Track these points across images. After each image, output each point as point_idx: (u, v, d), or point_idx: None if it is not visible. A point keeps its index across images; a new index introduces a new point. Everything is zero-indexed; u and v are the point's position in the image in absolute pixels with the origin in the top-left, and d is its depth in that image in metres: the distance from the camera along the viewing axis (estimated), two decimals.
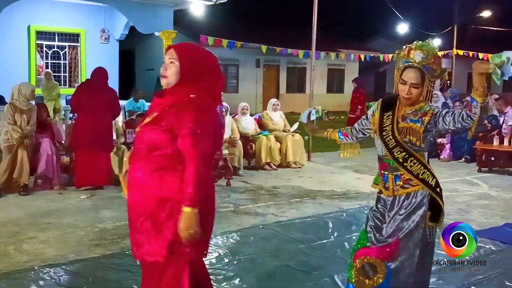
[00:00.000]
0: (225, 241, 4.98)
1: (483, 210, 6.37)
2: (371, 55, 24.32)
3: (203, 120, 2.47)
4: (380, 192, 3.06)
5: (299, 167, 9.28)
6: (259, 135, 9.12)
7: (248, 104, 9.91)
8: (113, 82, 14.14)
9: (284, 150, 9.22)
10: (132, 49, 25.75)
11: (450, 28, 25.84)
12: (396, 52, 3.01)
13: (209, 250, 4.57)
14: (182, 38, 18.85)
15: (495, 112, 10.54)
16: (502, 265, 4.44)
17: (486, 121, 9.02)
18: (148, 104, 11.90)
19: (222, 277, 4.05)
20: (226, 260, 4.43)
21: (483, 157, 9.30)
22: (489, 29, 30.16)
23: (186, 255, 2.58)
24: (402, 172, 2.91)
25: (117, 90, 14.28)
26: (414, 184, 2.90)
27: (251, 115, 10.05)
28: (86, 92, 7.11)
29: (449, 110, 2.89)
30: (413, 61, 2.86)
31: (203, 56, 2.66)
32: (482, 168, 9.16)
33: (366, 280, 2.95)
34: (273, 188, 7.51)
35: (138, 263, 4.24)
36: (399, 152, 2.90)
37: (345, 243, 4.92)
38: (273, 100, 10.04)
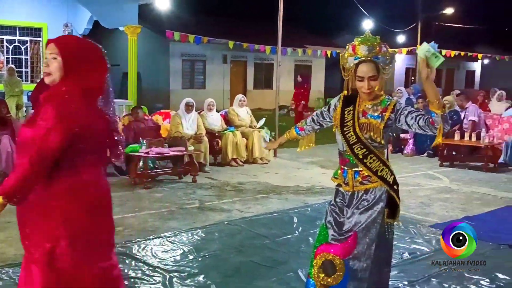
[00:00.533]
0: (190, 237, 4.96)
1: (444, 204, 6.51)
2: (337, 51, 24.44)
3: (57, 115, 2.29)
4: (339, 185, 3.08)
5: (266, 163, 9.31)
6: (225, 131, 9.10)
7: (216, 100, 9.89)
8: None
9: (250, 146, 9.23)
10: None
11: (414, 24, 26.25)
12: (341, 54, 3.00)
13: (173, 247, 4.61)
14: (148, 33, 18.68)
15: (457, 108, 10.81)
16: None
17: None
18: (114, 100, 11.76)
19: (186, 274, 4.03)
20: (191, 257, 4.41)
21: (445, 151, 9.51)
22: (452, 26, 30.80)
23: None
24: (361, 169, 2.91)
25: None
26: (373, 181, 2.91)
27: (219, 111, 10.03)
28: (47, 88, 6.94)
29: (412, 111, 2.88)
30: (361, 56, 2.85)
31: (86, 48, 2.54)
32: (443, 163, 9.36)
33: (326, 278, 2.95)
34: (239, 184, 7.52)
35: None
36: (359, 149, 2.90)
37: (310, 238, 4.96)
38: (240, 96, 10.04)
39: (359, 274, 2.92)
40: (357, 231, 2.89)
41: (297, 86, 14.04)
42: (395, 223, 3.04)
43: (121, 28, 12.52)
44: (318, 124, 3.30)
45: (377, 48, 2.84)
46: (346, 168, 2.98)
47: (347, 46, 2.94)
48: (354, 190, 2.96)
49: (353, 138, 2.91)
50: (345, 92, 3.00)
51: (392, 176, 2.95)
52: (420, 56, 2.67)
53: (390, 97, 2.95)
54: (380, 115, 2.89)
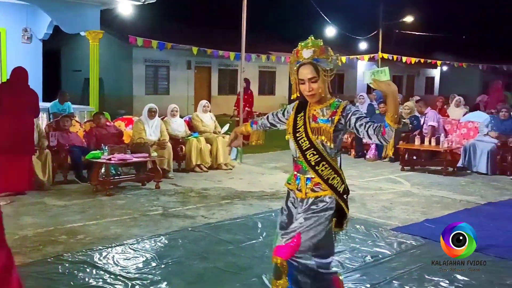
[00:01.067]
0: (153, 245, 4.90)
1: (405, 207, 6.62)
2: None
3: None
4: (291, 190, 3.06)
5: (230, 169, 9.29)
6: (189, 137, 9.05)
7: (180, 106, 9.83)
8: (37, 83, 13.56)
9: (214, 152, 9.20)
10: (57, 50, 24.88)
11: (375, 32, 26.74)
12: (289, 62, 3.00)
13: (135, 255, 4.55)
14: (110, 38, 18.47)
15: (416, 113, 11.05)
16: (421, 259, 4.63)
17: (408, 122, 9.36)
18: (74, 106, 11.56)
19: (148, 281, 3.98)
20: (153, 264, 4.36)
21: (406, 156, 9.69)
22: (412, 34, 31.50)
23: None
24: (313, 176, 2.89)
25: (40, 91, 13.76)
26: (324, 189, 2.89)
27: (182, 116, 9.97)
28: (5, 93, 6.78)
29: (361, 116, 2.83)
30: (302, 59, 2.86)
31: None
32: (404, 167, 9.54)
33: (275, 281, 2.94)
34: (203, 190, 7.48)
35: (60, 270, 4.13)
36: (312, 155, 2.87)
37: (273, 243, 4.96)
38: (203, 102, 10.00)
39: (301, 279, 2.91)
40: (301, 232, 2.84)
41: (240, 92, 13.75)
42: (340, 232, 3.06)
43: (82, 33, 12.30)
44: (270, 123, 3.30)
45: (318, 51, 2.83)
46: (299, 174, 2.96)
47: (293, 51, 2.95)
48: (306, 197, 2.93)
49: (306, 143, 2.89)
50: (295, 95, 2.99)
51: (343, 186, 2.93)
52: (370, 83, 2.72)
53: (340, 100, 2.93)
54: (329, 118, 2.87)
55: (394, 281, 4.10)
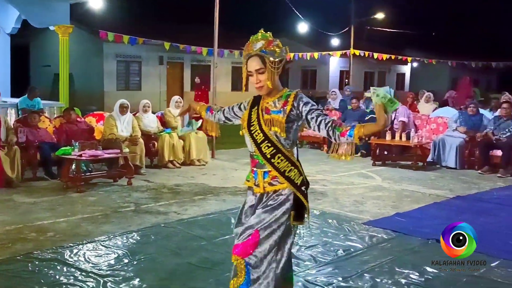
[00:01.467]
0: (125, 241, 4.86)
1: (376, 201, 6.71)
2: None
3: None
4: (250, 188, 3.00)
5: (203, 165, 9.27)
6: (161, 133, 8.99)
7: (152, 102, 9.74)
8: (5, 78, 13.32)
9: (187, 147, 9.16)
10: (26, 44, 24.36)
11: (347, 28, 26.94)
12: (242, 57, 2.96)
13: (107, 252, 4.51)
14: (80, 33, 18.17)
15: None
16: (392, 252, 4.71)
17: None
18: (44, 102, 11.35)
19: (121, 278, 3.94)
20: (126, 261, 4.32)
21: (377, 151, 9.81)
22: (383, 30, 31.87)
23: None
24: (270, 169, 2.83)
25: (9, 87, 13.50)
26: (282, 182, 2.82)
27: (155, 112, 9.89)
28: None
29: (313, 109, 2.77)
30: (251, 52, 2.85)
31: None
32: (376, 162, 9.66)
33: (232, 280, 2.89)
34: (176, 186, 7.44)
35: (30, 268, 4.07)
36: (266, 147, 2.82)
37: None
38: (176, 97, 9.93)
39: (260, 276, 2.80)
40: (259, 229, 2.78)
41: (196, 88, 13.17)
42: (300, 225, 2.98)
43: (51, 28, 12.08)
44: (225, 117, 3.24)
45: (265, 43, 2.81)
46: (256, 169, 2.90)
47: (245, 46, 2.93)
48: (265, 191, 2.87)
49: (260, 136, 2.85)
50: (244, 87, 2.98)
51: (301, 177, 2.86)
52: (376, 102, 2.63)
53: (292, 90, 2.89)
54: (281, 109, 2.83)
55: (365, 274, 4.15)
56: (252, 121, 2.90)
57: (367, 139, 2.66)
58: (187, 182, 7.72)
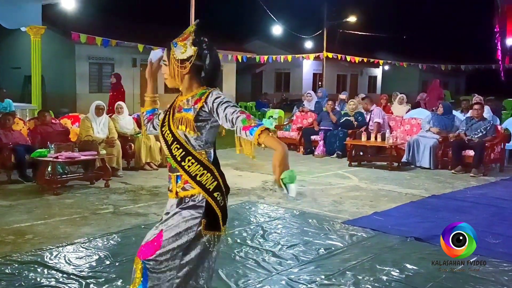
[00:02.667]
0: (106, 243, 4.81)
1: (354, 201, 6.79)
2: (248, 56, 24.89)
3: None
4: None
5: None
6: (138, 135, 8.92)
7: (126, 104, 9.64)
8: None
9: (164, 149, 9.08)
10: None
11: (320, 31, 27.20)
12: None
13: (88, 253, 4.46)
14: (52, 34, 17.89)
15: (361, 110, 11.35)
16: (372, 250, 4.77)
17: (353, 119, 9.46)
18: (15, 104, 11.13)
19: (103, 279, 3.91)
20: (107, 262, 4.28)
21: (353, 152, 9.93)
22: (355, 33, 32.24)
23: None
24: (182, 173, 2.59)
25: None
26: (193, 187, 2.57)
27: (131, 114, 9.80)
28: None
29: (225, 104, 2.47)
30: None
31: None
32: (352, 163, 9.76)
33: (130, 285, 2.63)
34: (154, 188, 7.39)
35: (9, 270, 3.99)
36: (176, 149, 2.58)
37: (228, 238, 4.98)
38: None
39: (163, 279, 2.55)
40: (164, 230, 2.55)
41: (111, 89, 12.00)
42: (221, 235, 2.63)
43: (23, 29, 11.87)
44: (154, 126, 2.88)
45: (183, 36, 2.64)
46: (170, 173, 2.66)
47: None
48: (178, 197, 2.62)
49: (169, 137, 2.61)
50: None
51: (215, 182, 2.57)
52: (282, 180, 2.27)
53: (209, 88, 2.60)
54: (192, 107, 2.58)
55: (347, 272, 4.20)
56: (164, 121, 2.67)
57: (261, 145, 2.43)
58: (165, 184, 7.61)
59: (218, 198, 2.57)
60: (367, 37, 33.44)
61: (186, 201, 2.58)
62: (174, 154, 2.58)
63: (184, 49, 2.59)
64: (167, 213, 2.63)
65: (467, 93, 31.00)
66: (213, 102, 2.50)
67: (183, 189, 2.59)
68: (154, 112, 2.91)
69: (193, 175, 2.56)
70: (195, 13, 10.53)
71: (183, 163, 2.56)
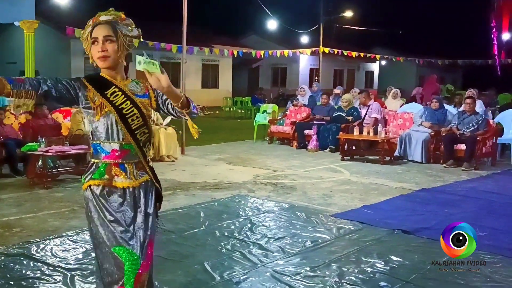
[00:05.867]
0: None
1: (344, 195, 6.81)
2: (244, 51, 24.84)
3: None
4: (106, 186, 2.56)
5: (173, 161, 9.24)
6: None
7: None
8: None
9: (156, 144, 9.10)
10: None
11: (316, 26, 27.16)
12: (82, 34, 2.51)
13: (75, 246, 4.48)
14: (45, 28, 17.85)
15: (356, 105, 11.36)
16: (359, 243, 4.80)
17: (344, 114, 9.42)
18: (8, 99, 11.12)
19: (89, 271, 3.91)
20: (93, 255, 4.23)
21: (345, 146, 9.94)
22: (352, 28, 32.23)
23: None
24: (140, 159, 2.54)
25: None
26: (147, 173, 2.57)
27: None
28: None
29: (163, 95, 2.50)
30: (99, 21, 2.47)
31: None
32: (344, 157, 9.78)
33: None
34: None
35: None
36: (143, 134, 2.52)
37: (216, 231, 5.01)
38: None
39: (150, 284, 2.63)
40: (153, 238, 2.57)
41: None
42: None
43: (16, 23, 11.86)
44: (64, 93, 2.41)
45: (118, 18, 2.52)
46: (124, 162, 2.49)
47: (88, 22, 2.51)
48: (130, 186, 2.50)
49: (139, 120, 2.49)
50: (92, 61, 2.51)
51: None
52: (143, 69, 2.28)
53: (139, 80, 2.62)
54: (146, 93, 2.56)
55: (332, 264, 4.22)
56: (118, 104, 2.46)
57: (189, 104, 2.38)
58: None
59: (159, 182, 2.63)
60: (364, 32, 33.46)
61: (139, 189, 2.51)
62: (139, 139, 2.50)
63: (131, 27, 2.52)
64: (121, 204, 2.48)
65: (464, 88, 31.02)
66: (161, 95, 2.51)
67: (140, 176, 2.52)
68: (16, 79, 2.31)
69: (147, 160, 2.56)
70: (189, 8, 10.50)
71: (144, 149, 2.53)
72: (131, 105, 2.48)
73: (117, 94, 2.47)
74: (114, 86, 2.48)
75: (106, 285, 2.49)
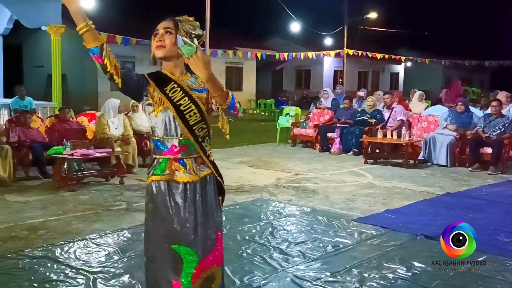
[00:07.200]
0: (116, 239, 4.89)
1: (367, 199, 6.76)
2: (267, 53, 24.88)
3: None
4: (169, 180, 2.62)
5: None
6: None
7: None
8: None
9: None
10: (19, 45, 24.34)
11: (340, 28, 27.03)
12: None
13: (98, 249, 4.54)
14: (72, 33, 18.10)
15: (379, 107, 11.27)
16: (381, 248, 4.75)
17: (371, 119, 9.27)
18: (36, 102, 11.33)
19: (111, 274, 3.97)
20: (116, 258, 4.35)
21: (369, 149, 9.86)
22: (376, 30, 31.98)
23: None
24: (199, 154, 2.57)
25: (1, 87, 13.48)
26: (209, 167, 2.62)
27: None
28: None
29: None
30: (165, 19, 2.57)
31: None
32: (367, 160, 9.70)
33: None
34: None
35: (20, 265, 4.09)
36: (201, 129, 2.55)
37: (237, 235, 5.02)
38: None
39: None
40: (220, 230, 2.64)
41: None
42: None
43: (43, 28, 12.07)
44: (133, 82, 2.47)
45: (184, 19, 2.59)
46: (184, 157, 2.53)
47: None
48: (190, 181, 2.53)
49: (197, 116, 2.51)
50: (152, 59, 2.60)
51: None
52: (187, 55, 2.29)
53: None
54: (204, 88, 2.55)
55: (353, 269, 4.19)
56: (176, 100, 2.49)
57: (228, 96, 2.40)
58: None
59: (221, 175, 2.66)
60: (388, 33, 33.17)
61: (200, 184, 2.53)
62: (198, 134, 2.53)
63: (193, 27, 2.58)
64: (183, 199, 2.50)
65: (492, 89, 30.50)
66: None
67: (200, 171, 2.55)
68: (103, 49, 2.31)
69: (207, 154, 2.58)
70: (212, 11, 10.58)
71: (203, 144, 2.56)
72: (189, 101, 2.51)
73: (176, 90, 2.51)
74: (173, 82, 2.53)
75: (155, 281, 2.53)
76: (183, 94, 2.50)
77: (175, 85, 2.51)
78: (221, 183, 2.67)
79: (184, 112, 2.49)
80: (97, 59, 2.30)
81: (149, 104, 2.50)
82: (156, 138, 2.54)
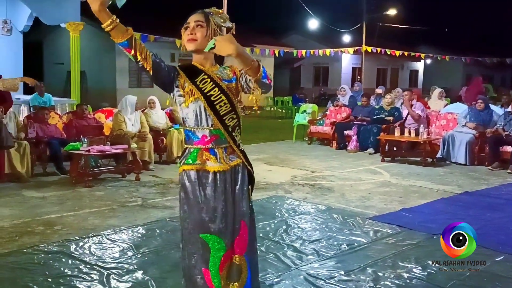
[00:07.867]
0: (130, 235, 4.91)
1: (383, 197, 6.69)
2: (285, 50, 24.81)
3: None
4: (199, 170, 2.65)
5: None
6: (170, 129, 9.03)
7: (163, 99, 9.75)
8: (17, 75, 13.40)
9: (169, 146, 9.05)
10: (39, 42, 24.63)
11: (359, 25, 26.82)
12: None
13: (112, 245, 4.56)
14: (91, 30, 18.29)
15: (397, 105, 11.15)
16: (396, 247, 4.69)
17: (388, 116, 9.19)
18: (56, 99, 11.46)
19: (124, 270, 3.99)
20: (130, 254, 4.36)
21: (386, 147, 9.77)
22: (395, 26, 31.66)
23: None
24: (230, 144, 2.62)
25: (21, 84, 13.62)
26: (238, 157, 2.66)
27: (164, 108, 9.93)
28: None
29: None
30: (195, 12, 2.63)
31: None
32: (385, 158, 9.61)
33: (235, 285, 2.63)
34: None
35: (36, 260, 4.13)
36: (231, 119, 2.59)
37: None
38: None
39: (254, 261, 2.73)
40: (245, 220, 2.64)
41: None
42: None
43: (63, 25, 12.19)
44: (164, 70, 2.49)
45: (214, 11, 2.64)
46: (213, 147, 2.58)
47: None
48: (220, 170, 2.57)
49: (227, 106, 2.56)
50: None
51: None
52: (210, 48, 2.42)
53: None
54: (234, 78, 2.63)
55: (368, 268, 4.15)
56: (207, 90, 2.53)
57: (260, 67, 2.41)
58: None
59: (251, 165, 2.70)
60: (407, 30, 32.82)
61: (230, 173, 2.58)
62: (228, 124, 2.57)
63: (223, 20, 2.62)
64: (214, 188, 2.54)
65: None
66: (240, 73, 2.59)
67: (230, 160, 2.60)
68: (131, 42, 2.34)
69: (237, 144, 2.62)
70: (229, 7, 10.57)
71: (233, 133, 2.60)
72: (219, 91, 2.55)
73: (206, 81, 2.55)
74: (203, 73, 2.56)
75: (188, 268, 2.58)
76: (213, 85, 2.54)
77: (205, 76, 2.55)
78: (251, 172, 2.71)
79: (215, 103, 2.54)
80: (128, 50, 2.37)
81: (180, 95, 2.55)
82: (187, 128, 2.60)
